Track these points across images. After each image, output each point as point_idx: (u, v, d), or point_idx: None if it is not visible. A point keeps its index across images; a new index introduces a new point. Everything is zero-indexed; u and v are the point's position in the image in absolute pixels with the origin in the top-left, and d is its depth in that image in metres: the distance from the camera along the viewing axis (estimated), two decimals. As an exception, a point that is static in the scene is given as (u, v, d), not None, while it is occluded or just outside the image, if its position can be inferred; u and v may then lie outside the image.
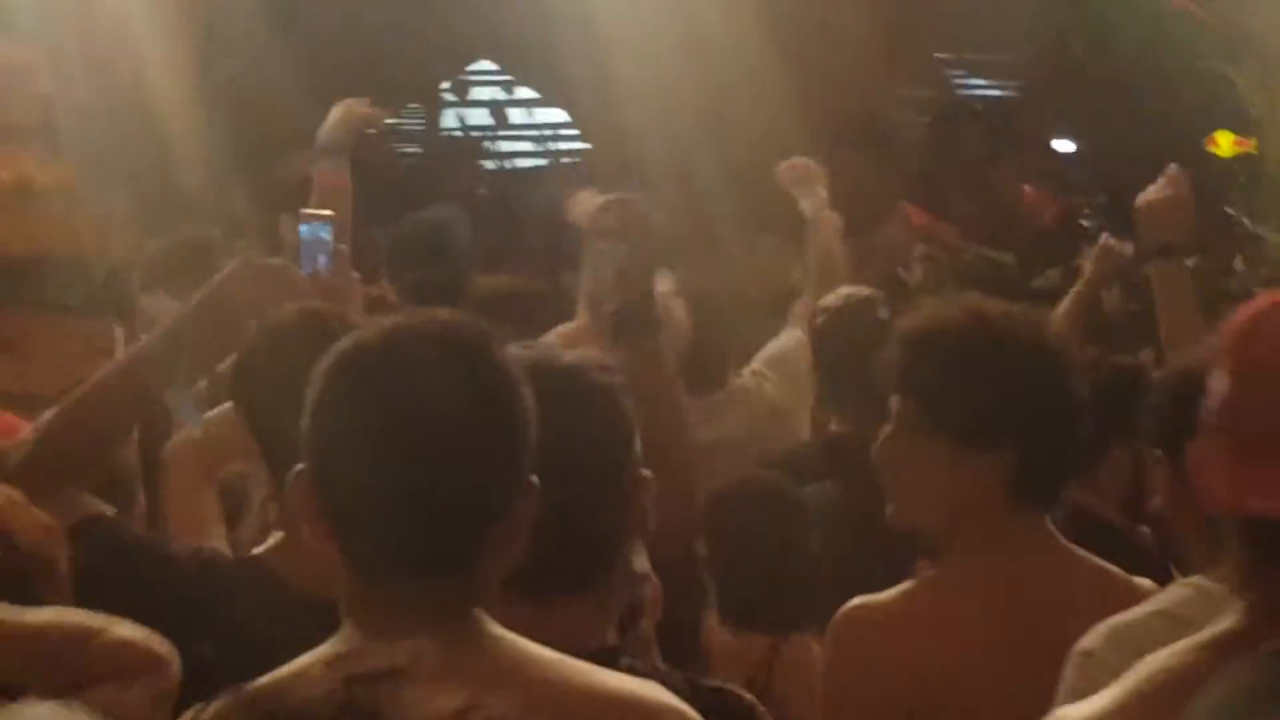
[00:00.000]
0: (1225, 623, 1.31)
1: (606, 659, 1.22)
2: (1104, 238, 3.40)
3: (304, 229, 2.27)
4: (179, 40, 4.57)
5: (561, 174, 5.85)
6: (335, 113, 3.07)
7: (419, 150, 6.47)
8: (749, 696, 1.51)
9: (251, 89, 4.60)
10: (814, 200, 3.39)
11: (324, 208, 2.94)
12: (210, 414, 2.09)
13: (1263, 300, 1.43)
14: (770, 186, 3.57)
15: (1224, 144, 4.61)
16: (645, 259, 2.19)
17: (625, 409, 1.31)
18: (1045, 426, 1.76)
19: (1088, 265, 3.38)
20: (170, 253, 3.92)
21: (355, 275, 2.33)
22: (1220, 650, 1.24)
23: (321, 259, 2.21)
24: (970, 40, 5.23)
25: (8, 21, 4.43)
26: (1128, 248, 3.49)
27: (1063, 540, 1.87)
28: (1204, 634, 1.33)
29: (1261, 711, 0.85)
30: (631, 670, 1.22)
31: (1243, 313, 1.42)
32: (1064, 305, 3.18)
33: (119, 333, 3.14)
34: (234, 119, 4.52)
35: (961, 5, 5.14)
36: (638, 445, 1.33)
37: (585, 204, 3.16)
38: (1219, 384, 1.38)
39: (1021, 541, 1.84)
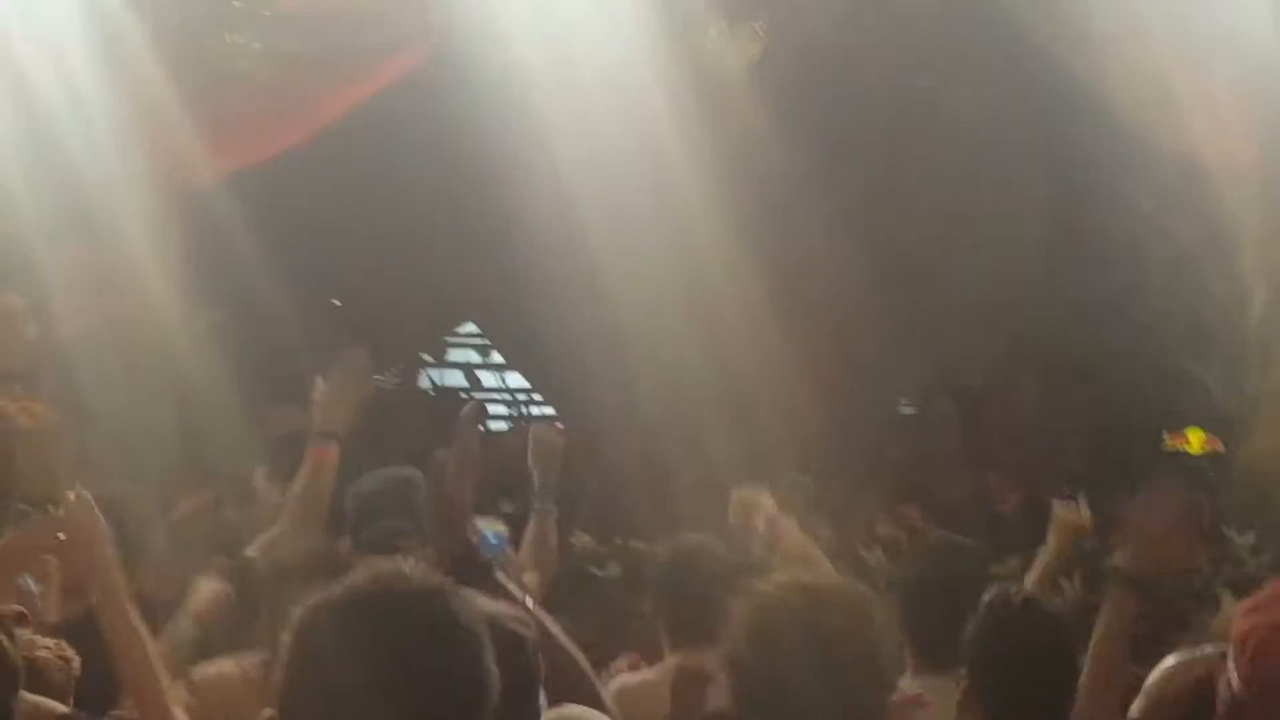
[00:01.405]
0: None
1: None
2: (1060, 506, 3.35)
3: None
4: (167, 286, 4.58)
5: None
6: (328, 393, 3.26)
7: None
8: None
9: (237, 339, 4.61)
10: (766, 522, 3.34)
11: (316, 481, 3.03)
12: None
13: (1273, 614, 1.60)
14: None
15: (1194, 442, 4.71)
16: None
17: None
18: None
19: (1050, 538, 3.38)
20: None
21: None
22: None
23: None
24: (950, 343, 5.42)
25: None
26: (1084, 519, 3.52)
27: None
28: None
29: None
30: None
31: (1259, 613, 1.61)
32: (1028, 581, 3.13)
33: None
34: (217, 366, 4.54)
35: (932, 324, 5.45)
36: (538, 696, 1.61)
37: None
38: (1232, 685, 1.52)
39: None
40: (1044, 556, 3.35)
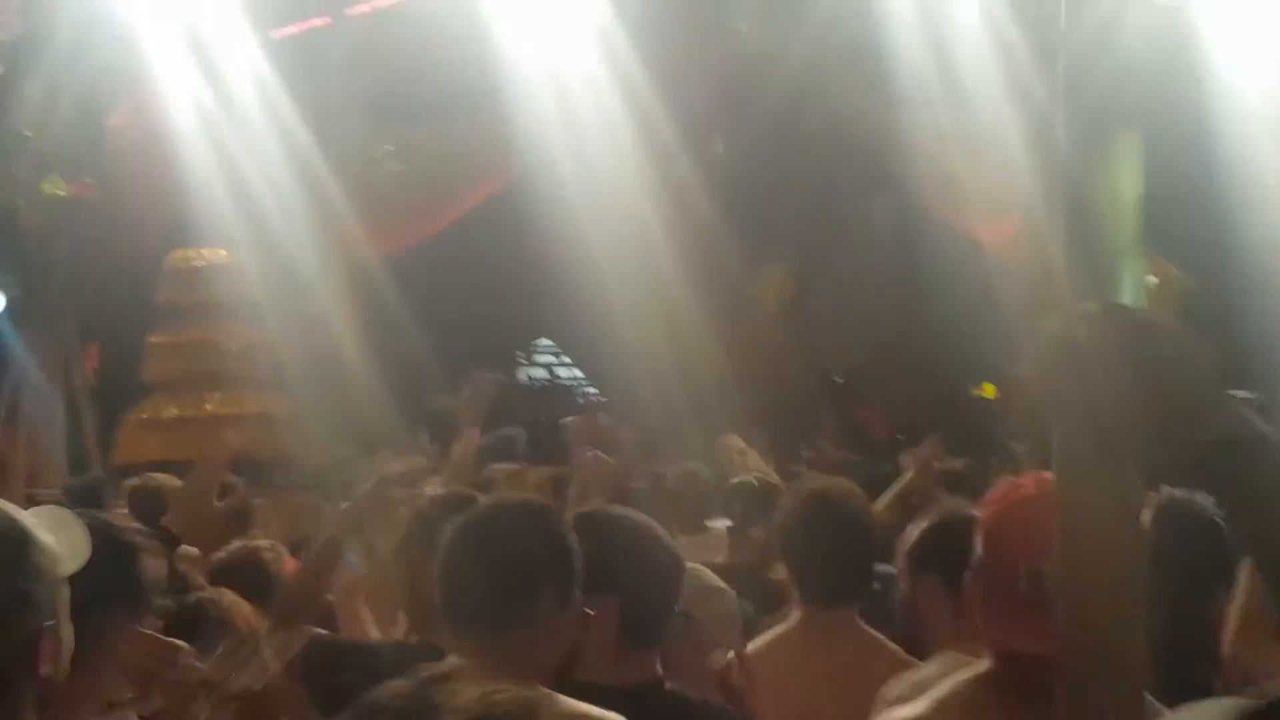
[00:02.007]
0: (982, 666, 1.75)
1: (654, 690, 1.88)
2: (924, 450, 5.53)
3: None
4: (349, 322, 6.93)
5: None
6: (468, 391, 4.44)
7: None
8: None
9: (394, 357, 6.81)
10: (739, 454, 4.37)
11: (465, 452, 4.21)
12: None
13: (1014, 493, 1.78)
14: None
15: (989, 391, 7.65)
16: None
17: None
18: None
19: (909, 466, 5.41)
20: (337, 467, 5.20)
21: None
22: (982, 678, 1.70)
23: None
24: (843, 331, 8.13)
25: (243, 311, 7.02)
26: (935, 454, 5.74)
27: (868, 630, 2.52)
28: (972, 671, 1.77)
29: None
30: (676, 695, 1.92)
31: (999, 499, 1.82)
32: (886, 497, 4.28)
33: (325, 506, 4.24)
34: (383, 372, 6.69)
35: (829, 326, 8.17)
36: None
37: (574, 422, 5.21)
38: (979, 548, 1.75)
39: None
40: (902, 479, 4.57)
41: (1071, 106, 6.95)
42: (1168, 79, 6.99)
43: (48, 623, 1.43)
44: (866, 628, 2.49)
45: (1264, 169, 6.72)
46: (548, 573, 1.78)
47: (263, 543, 3.20)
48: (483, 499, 2.13)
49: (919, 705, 1.81)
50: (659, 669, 1.96)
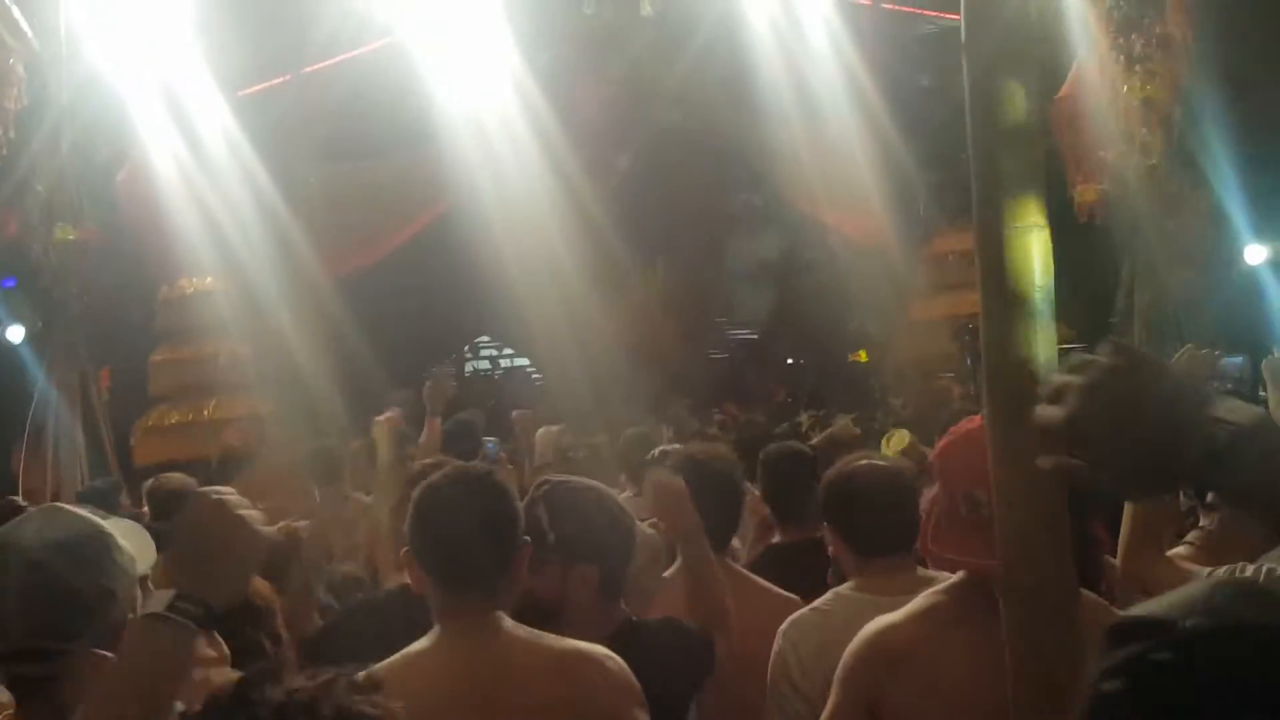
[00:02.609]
0: (945, 583, 1.99)
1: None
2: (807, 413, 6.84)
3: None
4: (317, 333, 7.68)
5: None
6: (431, 387, 5.00)
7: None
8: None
9: (357, 360, 7.56)
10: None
11: (430, 437, 4.80)
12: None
13: (956, 432, 2.03)
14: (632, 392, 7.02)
15: (862, 356, 8.93)
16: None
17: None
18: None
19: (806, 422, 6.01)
20: (313, 454, 5.62)
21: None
22: (949, 589, 1.95)
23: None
24: (736, 313, 9.41)
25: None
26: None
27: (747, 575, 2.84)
28: (915, 605, 2.00)
29: None
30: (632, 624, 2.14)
31: (945, 439, 2.07)
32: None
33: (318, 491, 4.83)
34: (348, 374, 7.42)
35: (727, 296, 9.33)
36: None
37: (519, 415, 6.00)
38: (935, 485, 2.00)
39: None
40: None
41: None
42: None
43: (129, 615, 1.64)
44: (749, 574, 2.83)
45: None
46: (519, 525, 2.05)
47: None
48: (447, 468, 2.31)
49: (896, 615, 2.05)
50: (624, 608, 2.23)
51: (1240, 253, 7.93)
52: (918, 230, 7.52)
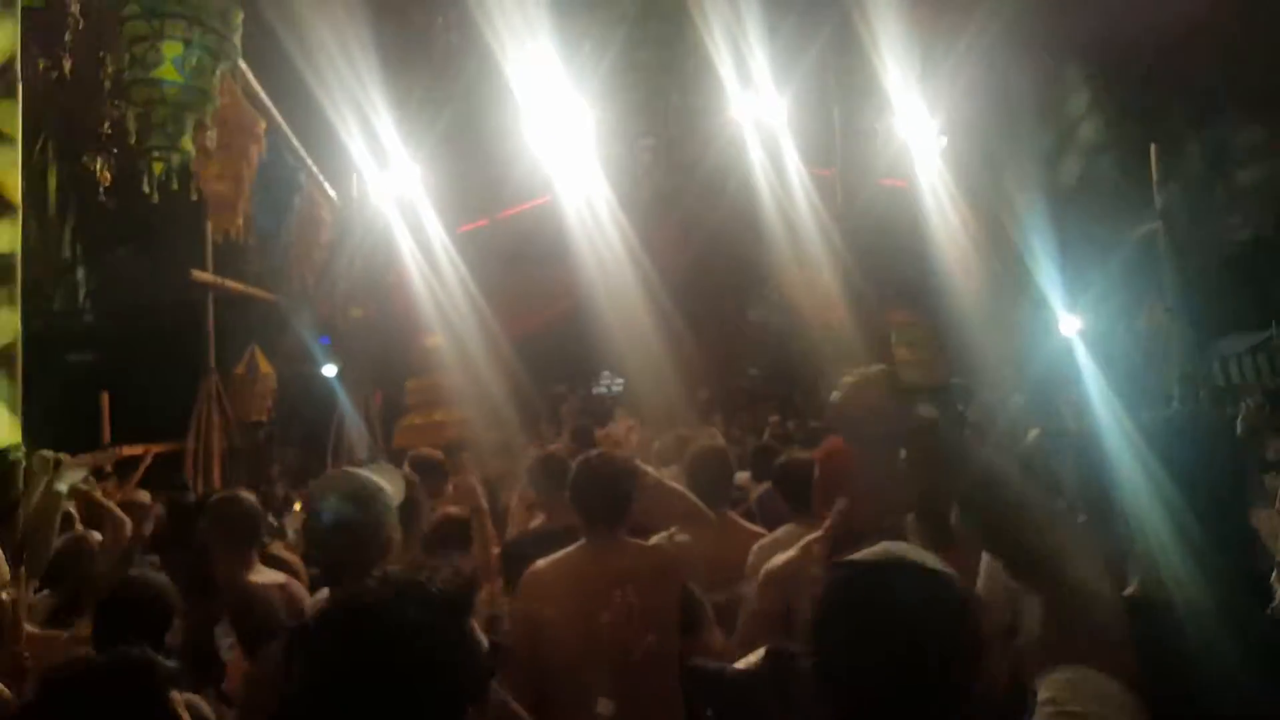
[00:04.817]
0: (819, 533, 2.46)
1: None
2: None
3: None
4: (500, 371, 10.18)
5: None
6: (567, 403, 8.12)
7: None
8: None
9: (519, 384, 9.84)
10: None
11: (568, 437, 6.38)
12: None
13: (830, 444, 2.72)
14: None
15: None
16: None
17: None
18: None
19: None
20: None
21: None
22: (820, 539, 2.45)
23: None
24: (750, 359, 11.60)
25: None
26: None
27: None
28: (813, 534, 2.49)
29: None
30: None
31: (827, 446, 2.78)
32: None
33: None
34: (517, 395, 9.49)
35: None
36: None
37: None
38: (816, 473, 2.68)
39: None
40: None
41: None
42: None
43: (394, 537, 2.25)
44: (740, 519, 3.63)
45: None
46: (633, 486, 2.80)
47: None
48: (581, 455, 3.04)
49: (790, 552, 2.69)
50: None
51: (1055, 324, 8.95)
52: (865, 313, 9.74)
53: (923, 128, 9.48)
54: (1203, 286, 9.74)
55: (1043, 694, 1.28)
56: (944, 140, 10.08)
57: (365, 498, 2.38)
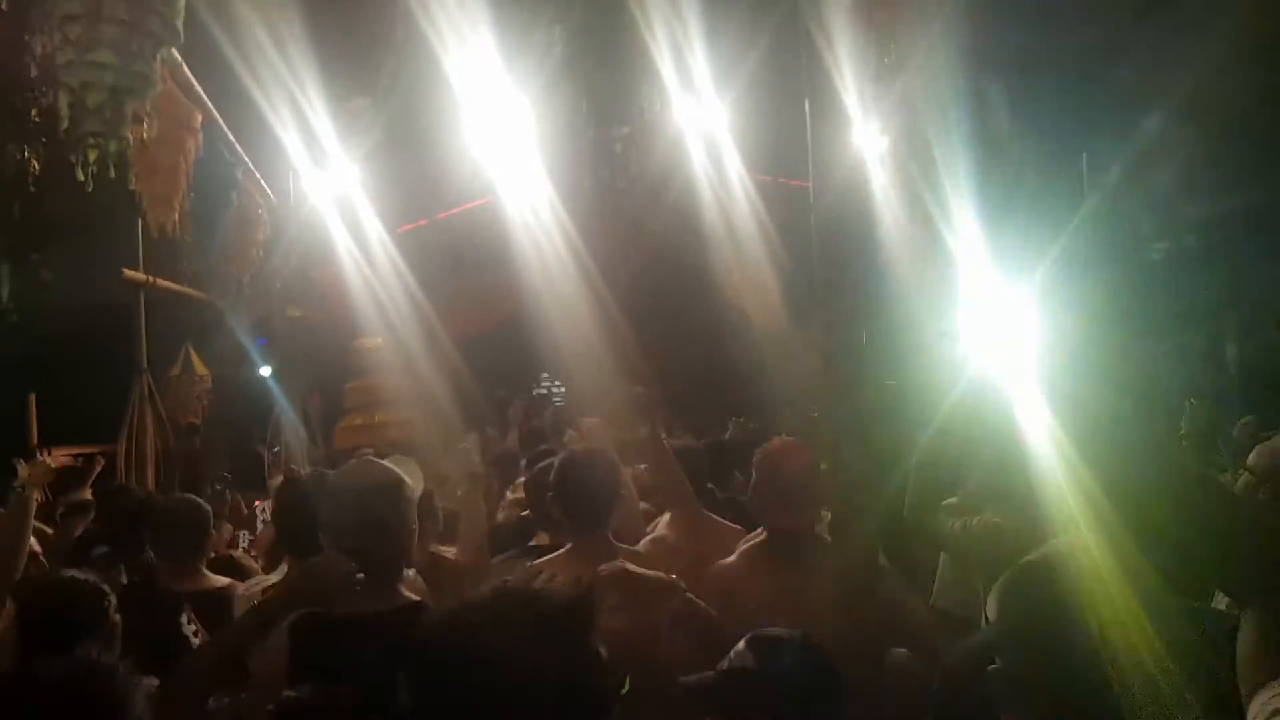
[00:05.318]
0: (760, 536, 2.70)
1: None
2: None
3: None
4: (440, 372, 9.51)
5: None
6: (515, 405, 7.65)
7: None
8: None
9: (463, 386, 9.74)
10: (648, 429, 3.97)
11: (518, 439, 6.85)
12: None
13: (770, 447, 2.83)
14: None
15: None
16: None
17: None
18: None
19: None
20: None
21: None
22: (761, 544, 2.66)
23: None
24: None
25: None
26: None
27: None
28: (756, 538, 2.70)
29: None
30: None
31: (767, 448, 2.86)
32: None
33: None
34: (459, 397, 9.42)
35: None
36: None
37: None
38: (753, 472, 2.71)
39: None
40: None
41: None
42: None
43: (414, 527, 2.34)
44: (719, 519, 3.66)
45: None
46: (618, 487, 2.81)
47: None
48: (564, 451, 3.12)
49: (731, 559, 2.84)
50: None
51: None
52: (798, 312, 9.90)
53: (867, 130, 9.58)
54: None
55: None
56: (884, 142, 10.16)
57: (387, 488, 2.44)
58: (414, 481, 2.64)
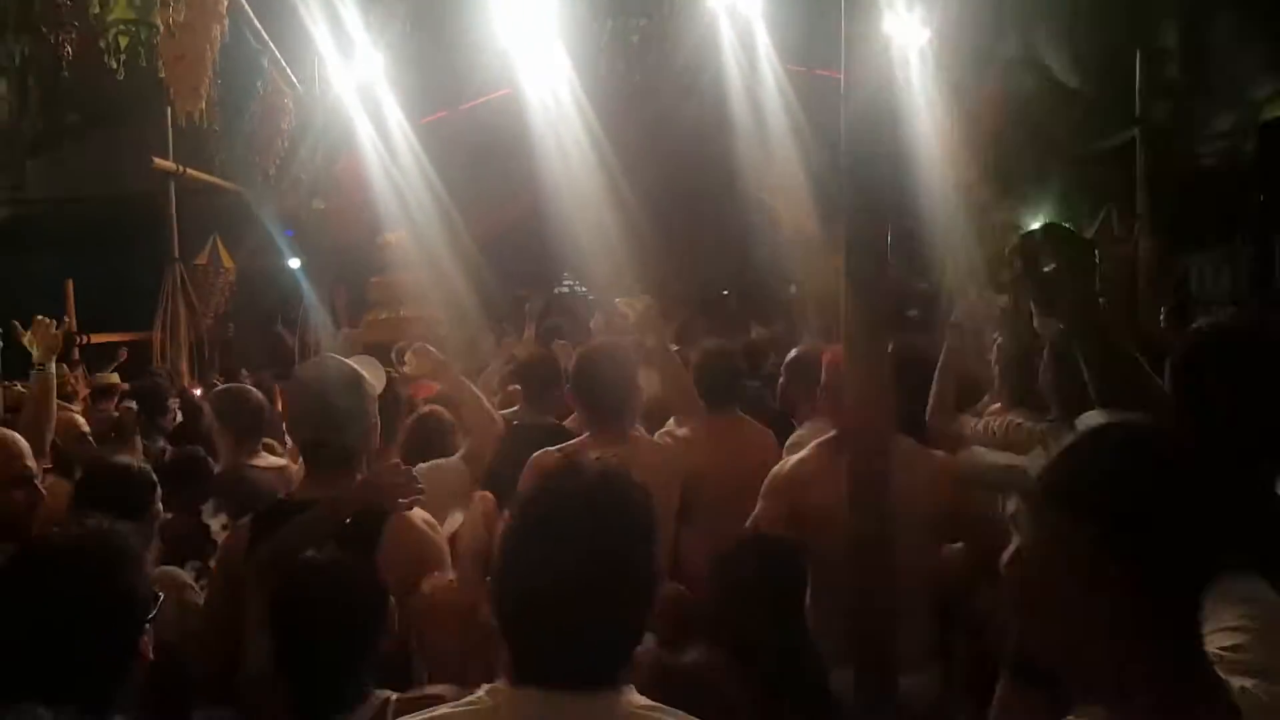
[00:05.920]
0: (831, 433, 2.71)
1: None
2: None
3: None
4: (463, 270, 9.94)
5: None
6: (531, 301, 7.83)
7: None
8: None
9: (484, 282, 9.97)
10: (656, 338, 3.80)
11: (532, 335, 7.20)
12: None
13: (832, 351, 2.80)
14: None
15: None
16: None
17: None
18: None
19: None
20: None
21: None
22: (831, 440, 2.71)
23: None
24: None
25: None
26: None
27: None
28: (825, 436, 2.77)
29: None
30: None
31: (831, 354, 2.82)
32: None
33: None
34: (481, 294, 9.69)
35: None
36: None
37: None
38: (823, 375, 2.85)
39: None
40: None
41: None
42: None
43: (373, 422, 2.46)
44: (753, 420, 3.78)
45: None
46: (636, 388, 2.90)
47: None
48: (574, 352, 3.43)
49: (804, 452, 2.90)
50: None
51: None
52: (828, 213, 9.37)
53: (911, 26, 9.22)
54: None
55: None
56: (931, 39, 9.85)
57: (345, 381, 2.53)
58: (375, 379, 2.71)
